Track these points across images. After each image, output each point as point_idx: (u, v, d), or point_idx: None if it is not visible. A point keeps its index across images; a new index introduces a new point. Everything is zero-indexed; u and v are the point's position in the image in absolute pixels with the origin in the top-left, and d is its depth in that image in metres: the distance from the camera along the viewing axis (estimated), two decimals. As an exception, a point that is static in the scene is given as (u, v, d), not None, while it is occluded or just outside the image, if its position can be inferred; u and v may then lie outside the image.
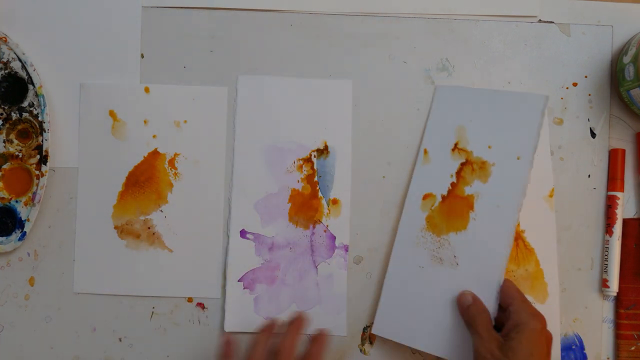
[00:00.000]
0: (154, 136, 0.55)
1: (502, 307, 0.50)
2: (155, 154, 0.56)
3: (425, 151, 0.55)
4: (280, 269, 0.55)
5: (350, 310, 0.56)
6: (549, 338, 0.48)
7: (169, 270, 0.55)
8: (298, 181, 0.56)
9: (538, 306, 0.55)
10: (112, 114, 0.55)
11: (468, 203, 0.52)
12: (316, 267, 0.56)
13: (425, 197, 0.54)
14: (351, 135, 0.56)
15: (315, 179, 0.56)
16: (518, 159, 0.51)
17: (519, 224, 0.55)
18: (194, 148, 0.56)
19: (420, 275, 0.53)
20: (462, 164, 0.53)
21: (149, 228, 0.55)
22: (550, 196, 0.55)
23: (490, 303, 0.50)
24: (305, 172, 0.56)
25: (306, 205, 0.56)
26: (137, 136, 0.55)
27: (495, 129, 0.53)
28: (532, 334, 0.46)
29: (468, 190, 0.53)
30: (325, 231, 0.56)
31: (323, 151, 0.56)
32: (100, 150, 0.55)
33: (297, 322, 0.52)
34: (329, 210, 0.56)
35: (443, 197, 0.54)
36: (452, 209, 0.53)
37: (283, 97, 0.56)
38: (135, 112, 0.55)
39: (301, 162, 0.56)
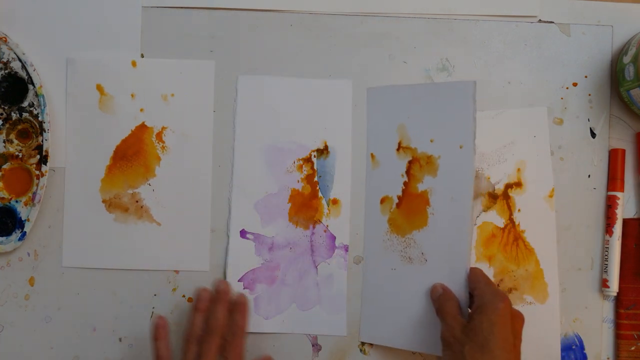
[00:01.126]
0: (141, 110, 0.55)
1: (471, 294, 0.50)
2: (142, 127, 0.56)
3: (372, 155, 0.55)
4: (280, 269, 0.55)
5: (350, 310, 0.56)
6: (517, 317, 0.48)
7: (157, 244, 0.55)
8: (298, 181, 0.56)
9: (538, 306, 0.55)
10: (99, 87, 0.55)
11: (423, 199, 0.53)
12: (316, 267, 0.56)
13: (382, 200, 0.55)
14: (351, 136, 0.56)
15: (315, 179, 0.56)
16: (461, 147, 0.52)
17: (518, 225, 0.55)
18: (181, 121, 0.56)
19: (393, 277, 0.54)
20: (410, 162, 0.54)
21: (137, 202, 0.56)
22: (550, 196, 0.55)
23: (461, 292, 0.51)
24: (305, 172, 0.56)
25: (306, 205, 0.56)
26: (124, 110, 0.55)
27: (433, 122, 0.53)
28: (493, 313, 0.46)
29: (421, 186, 0.53)
30: (325, 231, 0.56)
31: (323, 151, 0.56)
32: (88, 124, 0.55)
33: (222, 292, 0.52)
34: (329, 210, 0.56)
35: (399, 198, 0.54)
36: (410, 207, 0.54)
37: (283, 97, 0.56)
38: (122, 85, 0.55)
39: (301, 162, 0.56)
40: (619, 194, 0.55)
